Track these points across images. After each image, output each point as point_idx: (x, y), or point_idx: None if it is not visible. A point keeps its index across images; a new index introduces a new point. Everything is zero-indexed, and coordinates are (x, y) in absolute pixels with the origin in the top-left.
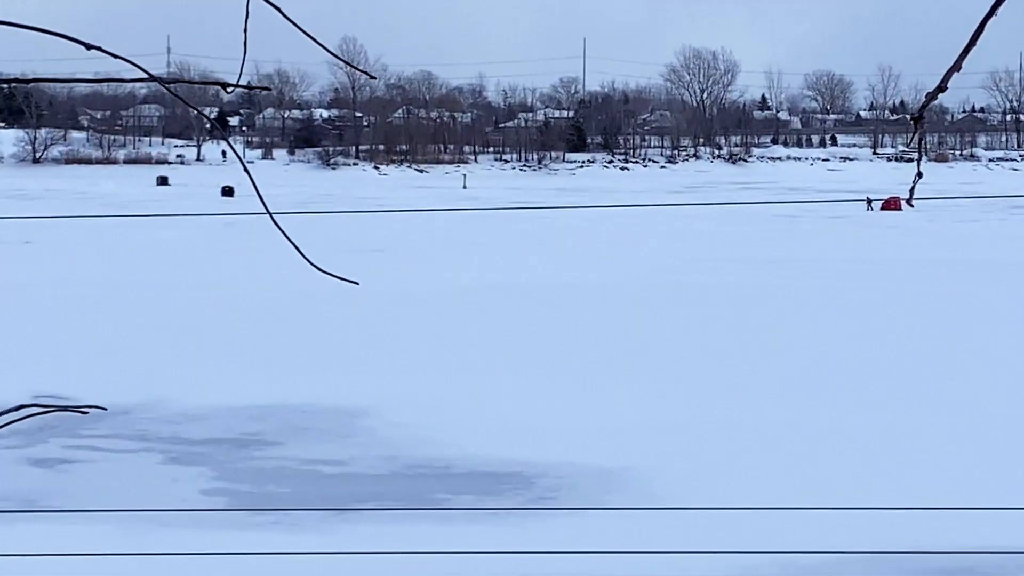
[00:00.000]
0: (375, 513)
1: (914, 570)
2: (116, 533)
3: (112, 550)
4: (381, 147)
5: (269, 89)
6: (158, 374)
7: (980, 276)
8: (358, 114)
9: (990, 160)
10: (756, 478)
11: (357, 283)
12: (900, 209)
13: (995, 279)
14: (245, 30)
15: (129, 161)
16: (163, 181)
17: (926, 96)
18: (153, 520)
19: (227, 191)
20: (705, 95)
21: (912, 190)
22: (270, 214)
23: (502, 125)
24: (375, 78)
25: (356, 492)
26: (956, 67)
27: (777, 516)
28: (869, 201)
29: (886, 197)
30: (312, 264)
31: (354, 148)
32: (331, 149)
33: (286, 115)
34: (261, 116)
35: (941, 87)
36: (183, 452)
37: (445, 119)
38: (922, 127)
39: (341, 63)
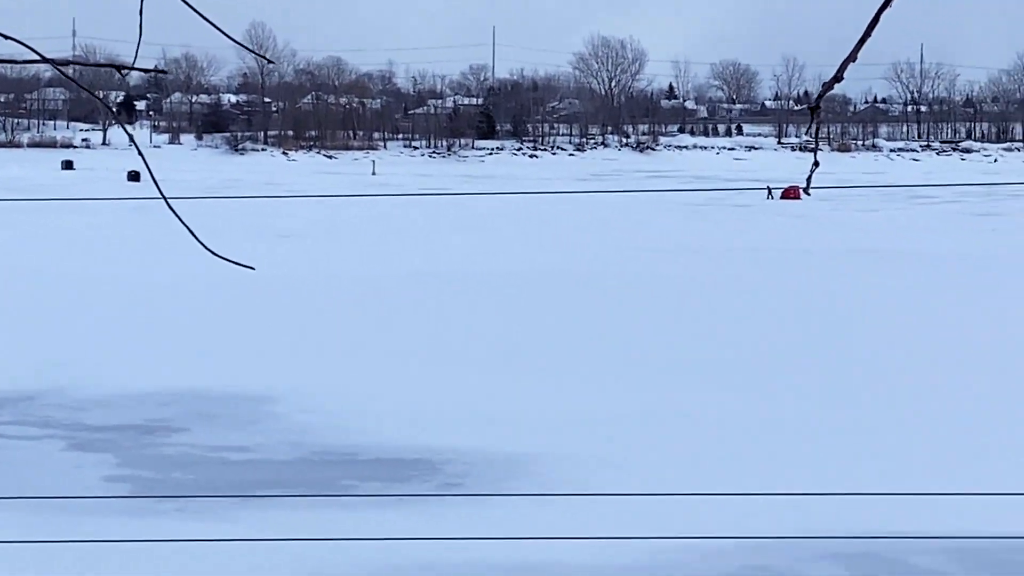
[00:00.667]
0: (281, 500)
1: (828, 554)
2: (18, 520)
3: (14, 537)
4: (290, 133)
5: (166, 72)
6: (62, 360)
7: (880, 265)
8: (267, 99)
9: (891, 150)
10: (663, 464)
11: (253, 268)
12: (800, 198)
13: (895, 268)
14: (140, 12)
15: (33, 145)
16: (68, 165)
17: (823, 86)
18: (56, 507)
19: (133, 176)
20: (613, 84)
21: (809, 178)
22: (164, 198)
23: (411, 112)
24: (272, 62)
25: (262, 479)
26: (852, 57)
27: (686, 502)
28: (770, 190)
29: (786, 186)
30: (207, 248)
31: (262, 133)
32: (239, 134)
33: (194, 100)
34: (168, 101)
35: (837, 77)
36: (87, 439)
37: (354, 105)
38: (819, 116)
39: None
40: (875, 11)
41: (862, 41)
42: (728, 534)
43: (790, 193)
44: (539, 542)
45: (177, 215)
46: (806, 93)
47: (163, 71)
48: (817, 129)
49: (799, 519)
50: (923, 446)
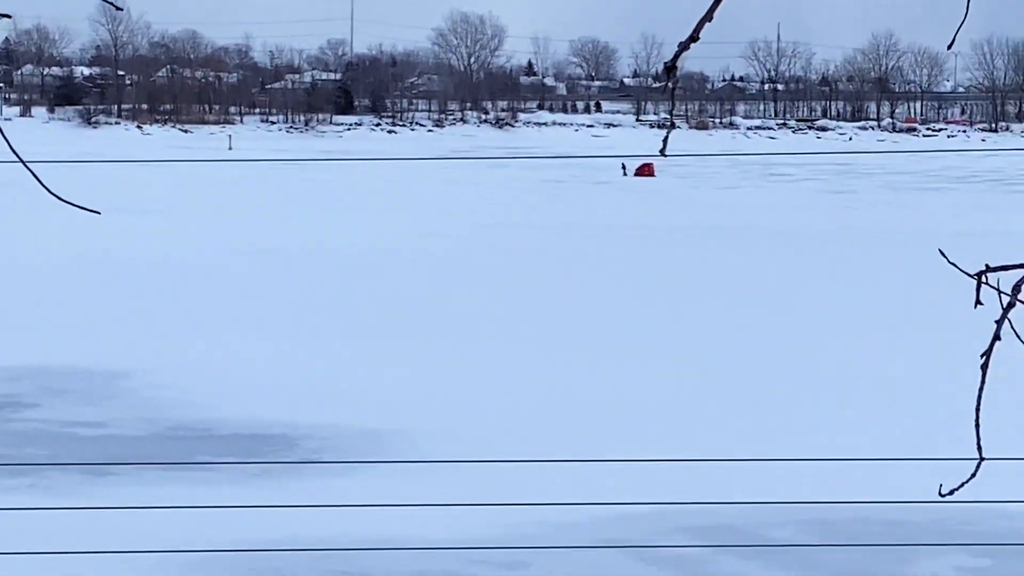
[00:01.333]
0: (135, 474)
1: (680, 524)
2: None
3: None
4: (144, 106)
5: (9, 16)
6: None
7: (733, 241)
8: (121, 72)
9: (748, 128)
10: (516, 436)
11: (99, 212)
12: (653, 175)
13: (747, 244)
14: None
15: None
16: None
17: (679, 45)
18: None
19: None
20: (472, 60)
21: (665, 140)
22: (12, 148)
23: (268, 86)
24: (121, 9)
25: (116, 454)
26: (708, 17)
27: (543, 470)
28: (624, 167)
29: (640, 163)
30: (53, 194)
31: (116, 107)
32: (92, 108)
33: (45, 72)
34: (20, 73)
35: (693, 36)
36: None
37: (210, 79)
38: (675, 76)
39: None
40: None
41: (717, 1)
42: (581, 500)
43: (644, 170)
44: (397, 510)
45: (25, 163)
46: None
47: (6, 15)
48: (673, 90)
49: (652, 488)
50: (770, 415)
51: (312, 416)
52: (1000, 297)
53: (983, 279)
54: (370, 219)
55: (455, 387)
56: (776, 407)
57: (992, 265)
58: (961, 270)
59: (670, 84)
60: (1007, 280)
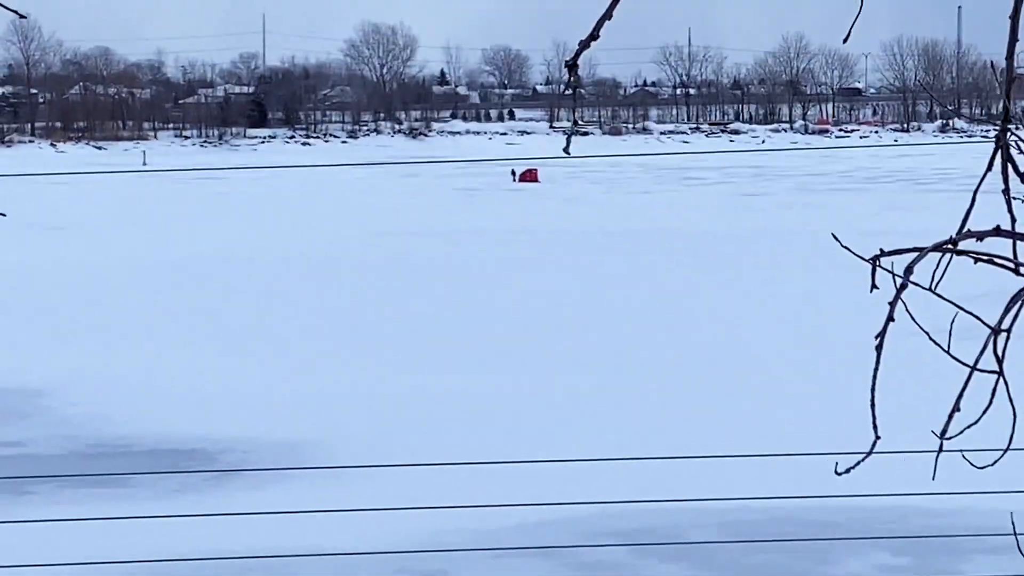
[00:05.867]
0: (54, 492)
1: (606, 527)
2: None
3: None
4: (58, 124)
5: None
6: None
7: (648, 245)
8: (33, 90)
9: (662, 133)
10: (439, 441)
11: (4, 215)
12: (538, 180)
13: (667, 249)
14: None
15: None
16: None
17: (579, 44)
18: None
19: None
20: (385, 70)
21: (569, 139)
22: None
23: (182, 101)
24: (24, 17)
25: (35, 471)
26: (607, 15)
27: (462, 474)
28: (513, 172)
29: (523, 169)
30: None
31: (29, 125)
32: (5, 127)
33: None
34: None
35: (594, 35)
36: None
37: (123, 95)
38: (575, 76)
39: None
40: None
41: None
42: (507, 502)
43: (526, 176)
44: (318, 519)
45: None
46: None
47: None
48: (575, 89)
49: (573, 490)
50: (685, 415)
51: (230, 428)
52: (894, 279)
53: (877, 263)
54: (286, 229)
55: (374, 395)
56: (691, 406)
57: (887, 250)
58: (856, 254)
59: (571, 82)
60: (901, 264)
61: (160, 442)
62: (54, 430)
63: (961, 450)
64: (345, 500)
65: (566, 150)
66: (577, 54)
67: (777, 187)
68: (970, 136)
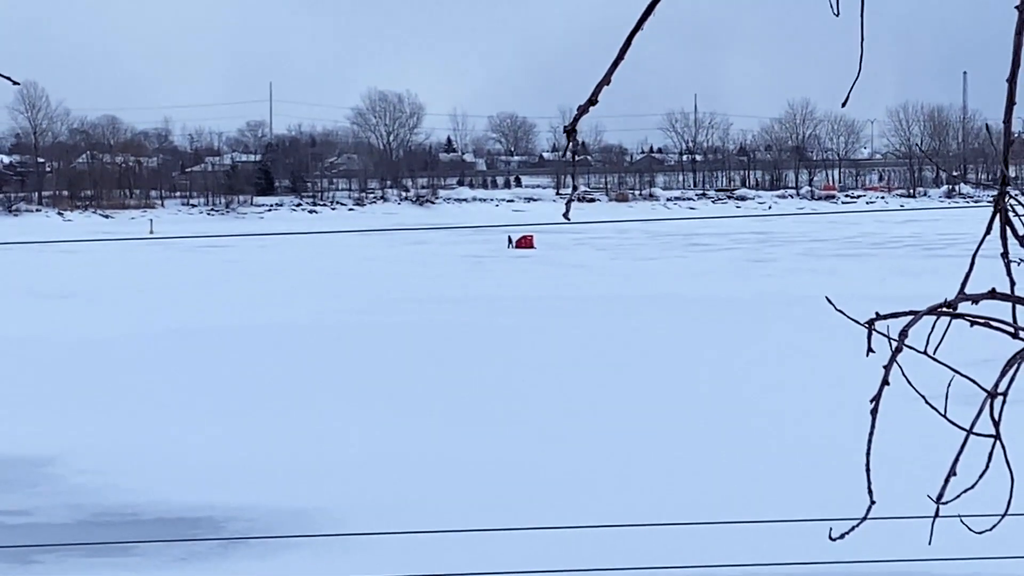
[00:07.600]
0: (60, 560)
1: None
2: None
3: None
4: (65, 193)
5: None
6: None
7: (655, 310)
8: (40, 159)
9: (668, 199)
10: (444, 506)
11: (17, 83)
12: (533, 247)
13: (675, 312)
14: None
15: None
16: None
17: (578, 109)
18: None
19: None
20: (392, 138)
21: (569, 203)
22: None
23: (189, 169)
24: (18, 83)
25: (42, 540)
26: (606, 80)
27: (471, 539)
28: (510, 239)
29: (519, 235)
30: None
31: (37, 194)
32: (13, 196)
33: None
34: None
35: (592, 100)
36: None
37: (130, 164)
38: (575, 140)
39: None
40: (627, 33)
41: (615, 64)
42: (517, 568)
43: (522, 242)
44: None
45: None
46: (583, 144)
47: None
48: (575, 154)
49: (574, 556)
50: (686, 478)
51: (237, 496)
52: (889, 343)
53: (872, 327)
54: (293, 296)
55: (379, 461)
56: (686, 471)
57: (883, 313)
58: (850, 318)
59: (570, 147)
60: (898, 327)
61: (167, 510)
62: (61, 498)
63: (959, 515)
64: (353, 568)
65: (566, 215)
66: (575, 119)
67: (783, 253)
68: (976, 201)
